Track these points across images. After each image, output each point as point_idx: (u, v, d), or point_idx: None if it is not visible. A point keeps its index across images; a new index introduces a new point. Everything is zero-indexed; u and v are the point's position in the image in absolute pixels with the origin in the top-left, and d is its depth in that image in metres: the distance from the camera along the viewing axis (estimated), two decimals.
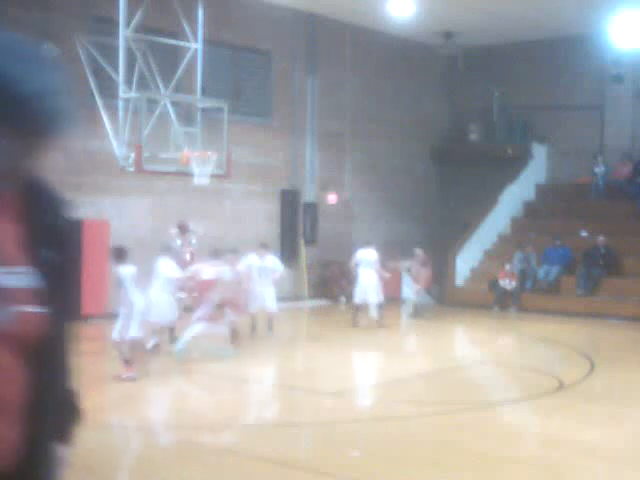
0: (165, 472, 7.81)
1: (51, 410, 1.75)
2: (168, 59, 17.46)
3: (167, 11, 16.63)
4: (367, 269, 16.73)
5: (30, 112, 1.61)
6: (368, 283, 16.68)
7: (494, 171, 24.10)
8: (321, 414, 10.27)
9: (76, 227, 1.85)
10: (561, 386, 11.68)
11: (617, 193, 23.00)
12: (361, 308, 17.00)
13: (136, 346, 11.95)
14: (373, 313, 16.87)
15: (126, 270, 11.46)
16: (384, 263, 17.40)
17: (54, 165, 16.99)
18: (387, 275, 17.28)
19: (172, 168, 16.04)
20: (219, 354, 12.93)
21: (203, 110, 16.70)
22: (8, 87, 1.59)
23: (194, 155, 15.50)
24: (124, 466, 7.89)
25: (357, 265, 17.00)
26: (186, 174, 15.82)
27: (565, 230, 22.10)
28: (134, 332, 11.43)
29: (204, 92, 17.04)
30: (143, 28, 16.08)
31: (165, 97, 16.13)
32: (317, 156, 22.90)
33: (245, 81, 21.28)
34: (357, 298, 16.98)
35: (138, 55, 15.99)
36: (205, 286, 13.30)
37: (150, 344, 13.02)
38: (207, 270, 13.41)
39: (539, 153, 25.12)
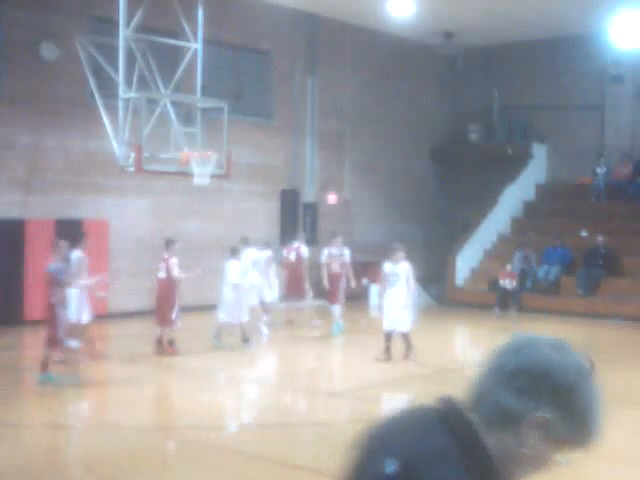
0: (165, 472, 7.81)
1: None
2: (168, 59, 17.45)
3: (167, 11, 16.61)
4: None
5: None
6: None
7: (494, 171, 24.10)
8: (321, 414, 10.28)
9: None
10: None
11: (617, 193, 23.00)
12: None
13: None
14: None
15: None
16: None
17: (54, 165, 17.05)
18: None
19: (172, 168, 16.02)
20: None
21: (203, 110, 16.69)
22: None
23: (194, 155, 15.48)
24: (124, 466, 7.88)
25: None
26: (186, 174, 15.80)
27: (565, 230, 22.09)
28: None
29: (204, 92, 17.02)
30: (143, 28, 16.06)
31: (165, 97, 16.11)
32: (317, 156, 22.90)
33: (245, 81, 21.28)
34: None
35: (138, 55, 15.96)
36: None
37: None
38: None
39: (539, 153, 25.12)
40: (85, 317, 12.52)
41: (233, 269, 14.38)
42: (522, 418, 1.75)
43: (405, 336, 13.28)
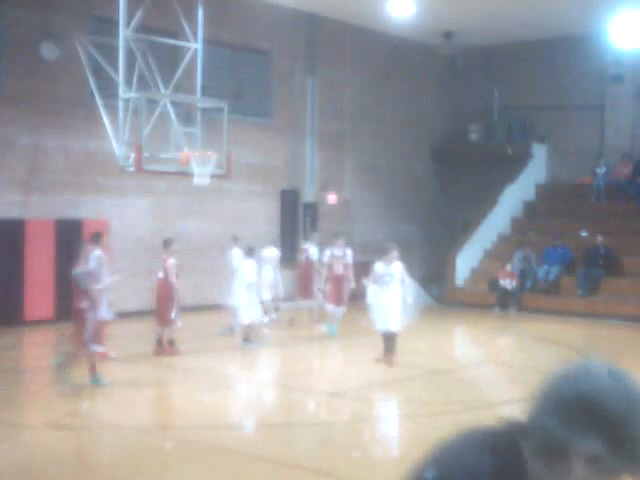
0: (165, 472, 7.81)
1: None
2: (168, 59, 17.45)
3: (167, 11, 16.61)
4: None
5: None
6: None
7: (494, 171, 24.10)
8: (321, 414, 10.28)
9: None
10: None
11: (617, 193, 23.01)
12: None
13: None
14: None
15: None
16: None
17: (54, 165, 17.04)
18: None
19: (172, 168, 16.03)
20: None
21: (203, 110, 16.69)
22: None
23: (194, 155, 15.48)
24: (124, 466, 7.88)
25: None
26: (186, 174, 15.81)
27: (565, 230, 22.10)
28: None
29: (204, 92, 17.02)
30: (143, 28, 16.06)
31: (165, 97, 16.11)
32: (317, 156, 22.90)
33: (245, 81, 21.28)
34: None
35: (138, 55, 15.97)
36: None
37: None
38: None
39: (539, 153, 25.12)
40: (105, 315, 12.41)
41: (248, 269, 14.41)
42: (569, 447, 1.72)
43: (393, 336, 12.99)
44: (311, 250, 17.35)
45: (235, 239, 16.07)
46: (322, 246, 17.62)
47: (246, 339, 14.45)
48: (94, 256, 12.00)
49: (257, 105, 21.54)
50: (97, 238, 12.52)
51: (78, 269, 11.07)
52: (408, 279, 13.13)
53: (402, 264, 12.95)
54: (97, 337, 11.04)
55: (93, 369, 11.04)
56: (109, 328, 13.24)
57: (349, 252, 16.58)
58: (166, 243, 13.71)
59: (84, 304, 10.86)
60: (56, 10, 17.05)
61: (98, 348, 11.05)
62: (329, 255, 16.49)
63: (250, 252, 14.70)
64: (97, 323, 11.10)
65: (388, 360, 12.93)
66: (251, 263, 14.55)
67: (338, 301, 16.12)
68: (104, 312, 12.03)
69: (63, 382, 10.90)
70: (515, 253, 21.51)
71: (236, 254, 15.63)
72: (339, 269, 16.24)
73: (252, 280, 14.43)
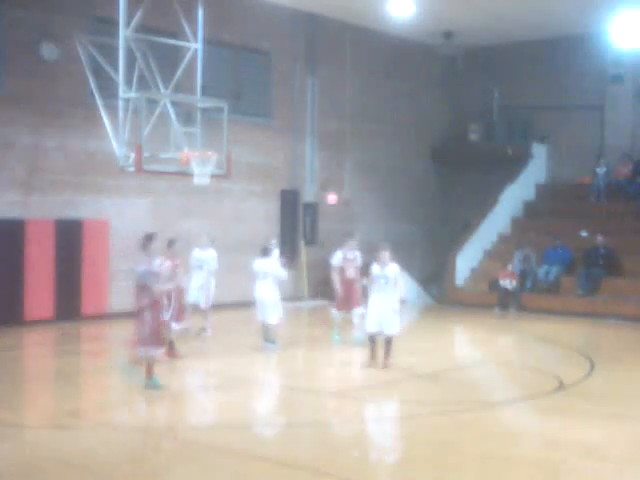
0: (165, 472, 7.80)
1: None
2: (168, 59, 17.45)
3: (167, 11, 16.62)
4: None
5: None
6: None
7: (494, 171, 24.13)
8: (321, 414, 10.27)
9: None
10: (561, 386, 11.67)
11: (617, 193, 23.02)
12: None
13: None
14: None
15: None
16: None
17: (54, 165, 17.02)
18: None
19: (172, 168, 16.03)
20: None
21: (203, 110, 16.70)
22: None
23: (194, 155, 15.48)
24: (124, 466, 7.88)
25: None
26: (186, 174, 15.81)
27: (565, 230, 22.10)
28: None
29: (204, 92, 17.03)
30: (143, 28, 16.07)
31: (165, 97, 16.11)
32: (317, 156, 22.90)
33: (245, 81, 21.29)
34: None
35: (138, 55, 15.98)
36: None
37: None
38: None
39: (539, 153, 25.14)
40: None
41: (274, 268, 14.32)
42: None
43: (390, 340, 12.69)
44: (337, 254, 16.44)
45: (212, 240, 15.92)
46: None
47: (272, 340, 14.36)
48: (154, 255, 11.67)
49: (257, 105, 21.54)
50: (151, 238, 12.33)
51: (141, 267, 10.87)
52: (402, 282, 12.84)
53: (398, 266, 12.76)
54: (155, 338, 10.83)
55: (149, 370, 10.86)
56: (97, 329, 13.23)
57: (358, 253, 15.69)
58: (170, 243, 13.62)
59: (144, 303, 10.73)
60: (56, 10, 17.05)
61: (154, 351, 10.89)
62: (341, 258, 15.48)
63: (265, 252, 14.51)
64: (158, 323, 10.92)
65: (383, 363, 12.76)
66: (271, 261, 14.40)
67: (348, 307, 15.45)
68: (164, 313, 11.85)
69: (153, 385, 10.83)
70: (515, 253, 21.51)
71: (212, 254, 15.49)
72: (351, 273, 15.37)
73: (283, 278, 14.39)
